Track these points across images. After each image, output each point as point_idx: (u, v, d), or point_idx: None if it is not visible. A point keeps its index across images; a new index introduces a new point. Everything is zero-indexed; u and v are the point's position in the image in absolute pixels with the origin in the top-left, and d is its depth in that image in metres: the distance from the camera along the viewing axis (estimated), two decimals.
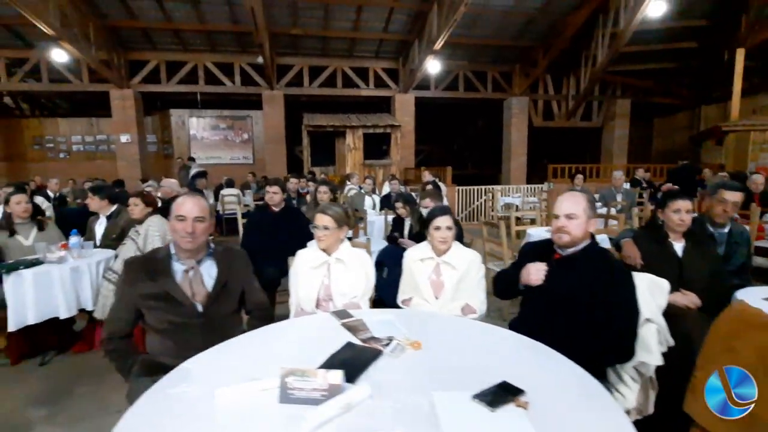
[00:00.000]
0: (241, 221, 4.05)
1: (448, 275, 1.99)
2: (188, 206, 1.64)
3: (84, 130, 11.62)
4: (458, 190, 9.68)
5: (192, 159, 10.44)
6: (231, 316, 1.70)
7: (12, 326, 2.62)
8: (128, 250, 2.98)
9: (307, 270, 1.95)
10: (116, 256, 3.01)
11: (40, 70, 9.97)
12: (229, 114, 11.89)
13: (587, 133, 13.92)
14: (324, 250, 1.97)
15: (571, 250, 1.65)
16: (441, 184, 6.65)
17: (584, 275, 1.59)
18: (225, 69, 10.57)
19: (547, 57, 10.40)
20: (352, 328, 1.55)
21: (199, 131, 11.69)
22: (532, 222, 5.11)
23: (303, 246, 3.35)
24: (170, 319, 1.57)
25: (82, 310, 2.90)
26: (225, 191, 7.25)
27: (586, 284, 1.58)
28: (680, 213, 2.21)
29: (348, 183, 6.85)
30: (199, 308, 1.60)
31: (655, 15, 7.37)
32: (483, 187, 9.91)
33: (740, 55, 9.26)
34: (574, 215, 1.62)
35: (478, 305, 1.96)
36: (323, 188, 3.66)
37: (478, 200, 9.99)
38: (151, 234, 3.01)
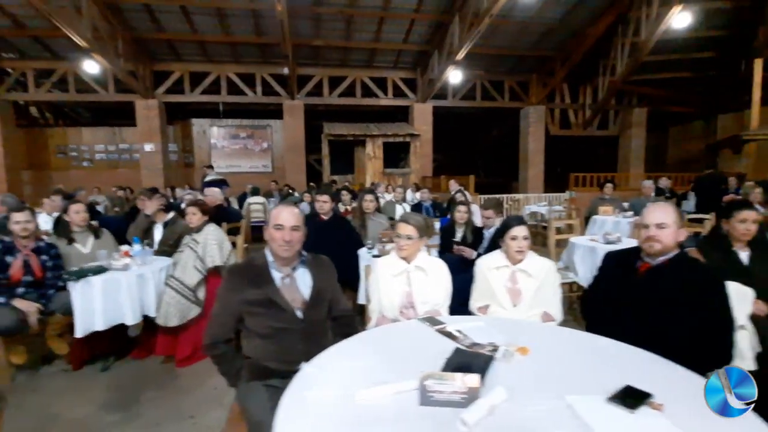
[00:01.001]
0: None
1: (525, 283, 2.02)
2: (285, 215, 1.70)
3: (107, 139, 11.83)
4: (480, 198, 9.71)
5: (210, 167, 10.56)
6: (324, 323, 1.74)
7: (79, 332, 2.68)
8: (188, 257, 3.05)
9: (389, 278, 1.99)
10: (174, 264, 3.07)
11: (66, 81, 10.22)
12: (248, 123, 12.08)
13: (601, 142, 13.94)
14: (404, 259, 2.02)
15: (660, 260, 1.68)
16: (467, 193, 6.68)
17: (675, 284, 1.62)
18: (247, 79, 10.76)
19: (566, 67, 10.49)
20: (449, 335, 1.59)
21: (220, 140, 11.87)
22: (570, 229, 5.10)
23: (353, 254, 3.43)
24: (272, 325, 1.62)
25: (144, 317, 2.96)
26: (251, 199, 7.33)
27: (677, 293, 1.61)
28: (746, 223, 2.24)
29: (376, 192, 6.90)
30: (299, 314, 1.65)
31: (680, 26, 7.43)
32: (505, 196, 9.93)
33: (758, 65, 9.30)
34: (664, 224, 1.66)
35: (555, 313, 2.00)
36: (369, 196, 3.72)
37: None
38: (210, 243, 3.08)
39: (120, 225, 4.17)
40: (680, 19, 7.23)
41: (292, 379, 1.60)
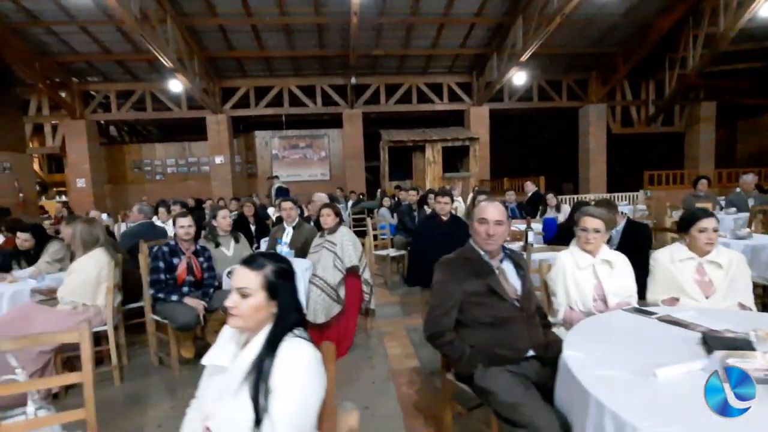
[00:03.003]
0: None
1: (715, 275, 2.01)
2: (490, 210, 1.79)
3: (177, 154, 12.58)
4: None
5: (276, 177, 11.01)
6: (536, 313, 1.81)
7: None
8: (326, 258, 3.22)
9: (575, 271, 2.04)
10: (314, 264, 3.24)
11: (143, 101, 10.99)
12: (307, 133, 12.50)
13: (661, 139, 13.37)
14: (589, 252, 2.06)
15: None
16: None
17: None
18: (307, 91, 11.16)
19: (630, 63, 10.18)
20: (676, 323, 1.62)
21: (281, 151, 12.34)
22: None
23: None
24: (494, 314, 1.70)
25: None
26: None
27: None
28: None
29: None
30: (516, 304, 1.73)
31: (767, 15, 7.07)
32: (577, 197, 9.71)
33: None
34: None
35: (750, 304, 1.97)
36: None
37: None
38: (346, 243, 3.25)
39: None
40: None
41: (522, 365, 1.68)
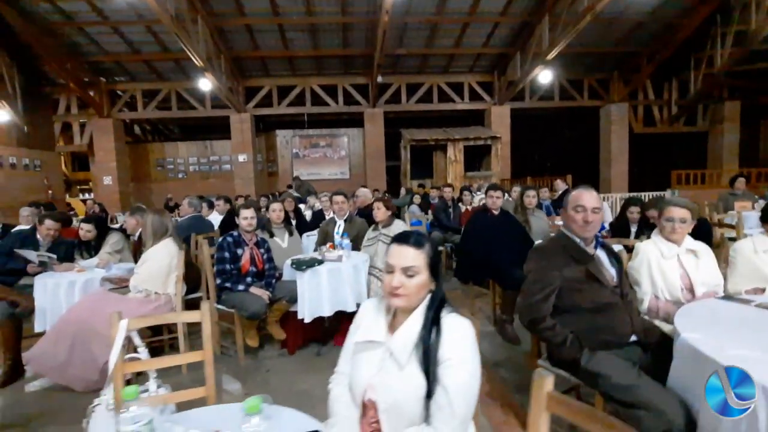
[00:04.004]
0: None
1: None
2: (586, 197, 1.81)
3: (199, 152, 12.73)
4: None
5: (298, 177, 11.11)
6: (633, 301, 1.83)
7: (308, 317, 2.94)
8: (384, 249, 3.25)
9: (660, 261, 2.06)
10: (372, 257, 3.29)
11: (168, 100, 11.14)
12: (328, 132, 12.59)
13: (681, 139, 13.23)
14: (674, 242, 2.07)
15: None
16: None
17: None
18: (329, 90, 11.23)
19: (654, 62, 10.12)
20: None
21: (301, 150, 12.44)
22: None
23: (527, 247, 3.52)
24: (594, 299, 1.73)
25: None
26: None
27: None
28: None
29: (479, 193, 7.00)
30: (616, 290, 1.75)
31: None
32: (607, 195, 9.62)
33: None
34: None
35: None
36: (531, 192, 3.80)
37: None
38: None
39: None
40: None
41: (625, 349, 1.70)
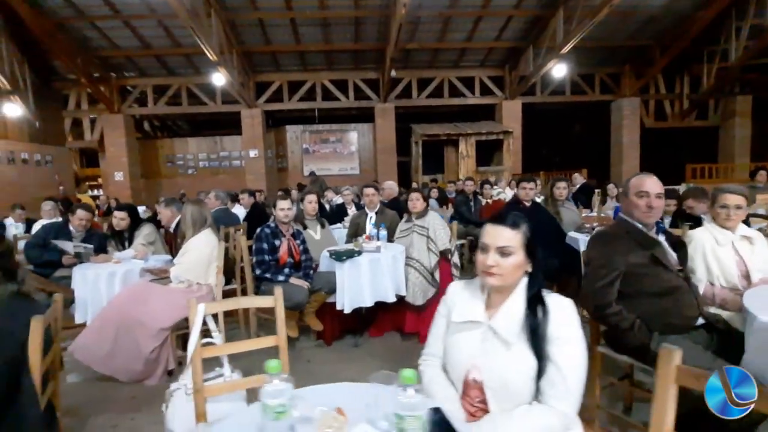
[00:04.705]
0: None
1: None
2: (650, 183, 1.80)
3: (209, 148, 12.72)
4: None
5: (313, 173, 11.10)
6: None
7: (348, 308, 2.94)
8: (419, 241, 3.26)
9: (715, 247, 2.06)
10: (407, 248, 3.29)
11: (179, 95, 11.13)
12: (337, 128, 12.56)
13: (691, 133, 13.19)
14: (728, 229, 2.07)
15: None
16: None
17: None
18: (340, 85, 11.20)
19: (667, 55, 10.06)
20: None
21: (311, 145, 12.42)
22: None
23: (559, 239, 3.52)
24: (661, 284, 1.72)
25: None
26: None
27: None
28: None
29: (496, 187, 6.99)
30: (680, 274, 1.76)
31: None
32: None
33: None
34: None
35: None
36: (562, 184, 3.80)
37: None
38: (438, 228, 3.28)
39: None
40: None
41: (692, 333, 1.71)
